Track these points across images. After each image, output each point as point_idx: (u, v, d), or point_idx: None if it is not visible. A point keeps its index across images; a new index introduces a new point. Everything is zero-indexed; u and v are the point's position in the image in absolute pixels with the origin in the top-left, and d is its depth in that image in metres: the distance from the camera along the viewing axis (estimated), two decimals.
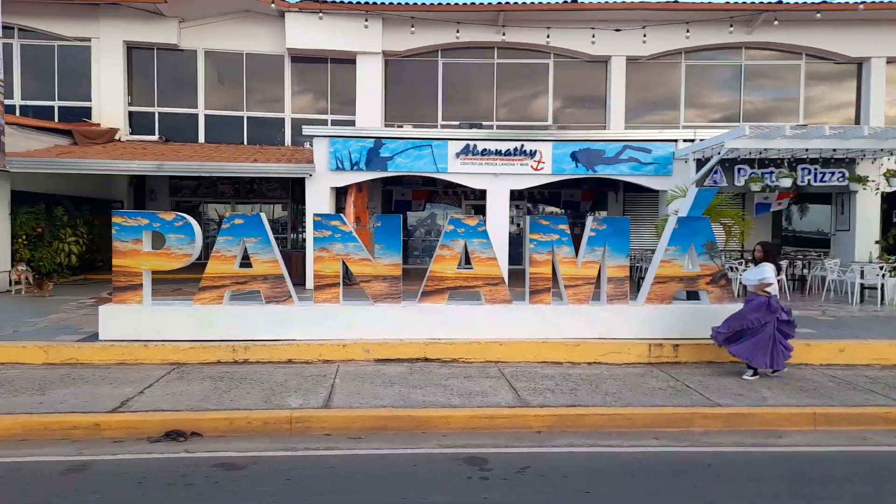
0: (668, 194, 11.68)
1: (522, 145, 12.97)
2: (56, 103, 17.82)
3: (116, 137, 17.86)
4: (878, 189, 12.00)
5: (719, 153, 10.62)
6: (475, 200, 19.85)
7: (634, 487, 4.35)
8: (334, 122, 18.41)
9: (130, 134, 18.46)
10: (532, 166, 12.98)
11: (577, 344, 7.62)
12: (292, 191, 22.19)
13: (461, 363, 7.49)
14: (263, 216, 7.74)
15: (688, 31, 17.20)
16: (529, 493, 4.24)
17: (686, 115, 18.40)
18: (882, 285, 10.88)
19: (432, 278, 7.83)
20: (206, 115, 18.98)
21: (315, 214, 7.78)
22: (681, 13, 17.18)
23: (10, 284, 12.42)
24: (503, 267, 9.13)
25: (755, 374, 6.90)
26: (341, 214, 7.83)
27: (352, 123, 18.23)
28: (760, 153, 11.22)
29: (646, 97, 18.73)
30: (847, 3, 16.48)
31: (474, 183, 13.29)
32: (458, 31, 17.49)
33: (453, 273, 7.84)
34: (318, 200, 13.26)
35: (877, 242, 12.61)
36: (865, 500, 4.25)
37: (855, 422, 5.77)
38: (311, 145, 18.23)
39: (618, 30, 17.09)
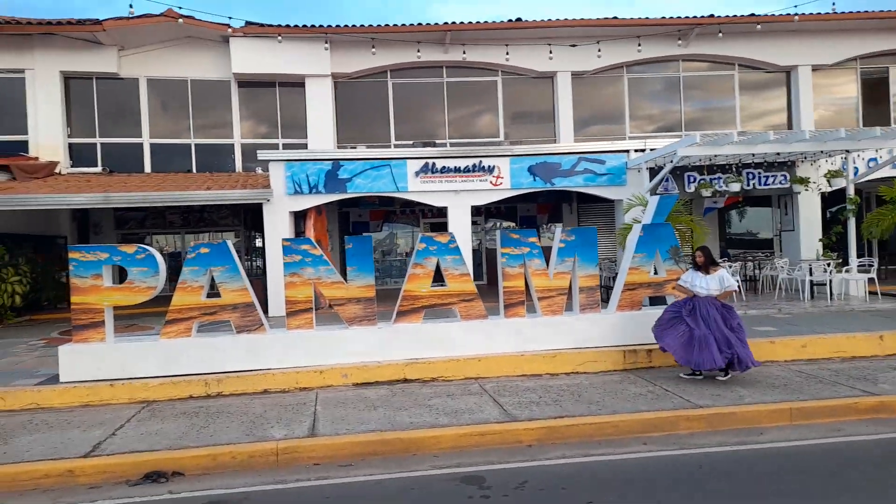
0: (625, 203, 11.99)
1: (481, 161, 13.11)
2: None
3: (57, 171, 17.16)
4: (819, 189, 12.62)
5: (672, 161, 10.99)
6: (433, 218, 19.90)
7: (637, 494, 4.39)
8: (286, 146, 18.17)
9: (71, 166, 17.77)
10: (491, 182, 13.12)
11: (555, 355, 7.68)
12: (244, 218, 21.79)
13: (441, 382, 7.44)
14: (230, 244, 7.55)
15: (639, 45, 17.74)
16: None
17: (631, 126, 18.97)
18: (830, 281, 11.41)
19: (406, 297, 7.78)
20: (151, 144, 18.45)
21: (284, 239, 7.65)
22: (620, 28, 17.77)
23: None
24: None
25: (728, 373, 7.10)
26: (310, 238, 7.69)
27: (304, 146, 18.04)
28: (710, 160, 11.68)
29: (592, 110, 19.24)
30: (781, 15, 17.45)
31: (435, 200, 13.33)
32: (418, 52, 17.53)
33: (427, 291, 7.81)
34: (276, 226, 13.04)
35: (820, 240, 13.24)
36: (856, 488, 4.40)
37: (828, 414, 5.99)
38: (264, 170, 18.03)
39: (573, 45, 17.52)
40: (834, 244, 13.12)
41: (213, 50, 18.24)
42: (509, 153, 13.21)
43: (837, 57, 18.99)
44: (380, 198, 15.72)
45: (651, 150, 12.88)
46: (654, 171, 12.39)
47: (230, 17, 17.12)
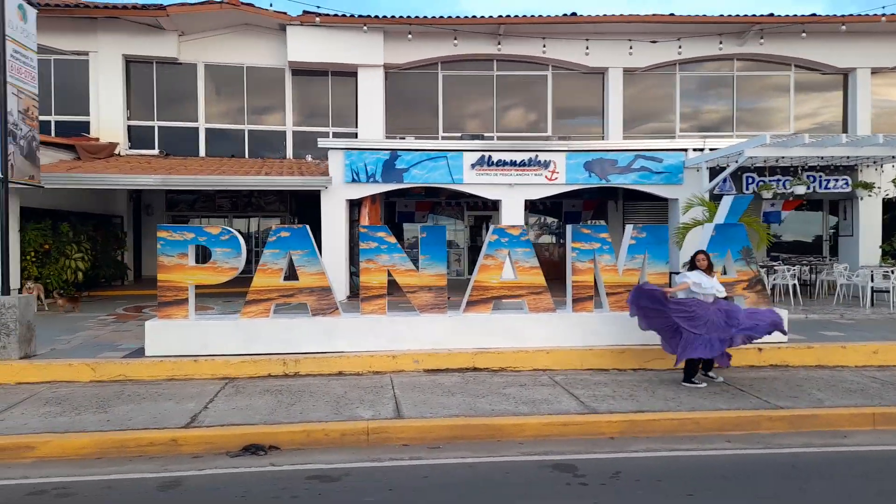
0: (684, 202, 11.93)
1: (537, 156, 13.14)
2: (53, 118, 17.50)
3: (116, 152, 17.63)
4: (885, 194, 12.39)
5: (736, 161, 10.90)
6: (477, 211, 19.99)
7: (736, 491, 4.44)
8: (335, 135, 18.40)
9: (129, 148, 18.24)
10: (546, 176, 13.15)
11: (623, 351, 7.73)
12: (290, 204, 22.13)
13: (510, 372, 7.55)
14: (308, 229, 7.74)
15: (680, 46, 17.56)
16: (636, 498, 4.31)
17: (681, 125, 18.77)
18: (892, 288, 11.23)
19: (477, 288, 7.90)
20: (206, 129, 18.84)
21: (361, 226, 7.83)
22: (675, 25, 17.57)
23: None
24: None
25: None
26: (385, 226, 7.85)
27: (353, 136, 18.27)
28: (777, 161, 11.54)
29: (642, 108, 19.08)
30: (838, 16, 17.10)
31: (489, 193, 13.41)
32: (455, 42, 17.57)
33: (498, 283, 7.92)
34: (334, 213, 13.25)
35: (881, 247, 13.01)
36: None
37: None
38: (314, 157, 18.32)
39: (640, 40, 17.33)
40: (894, 251, 12.88)
41: (269, 37, 18.53)
42: (566, 148, 13.21)
43: None
44: (430, 189, 15.83)
45: (710, 149, 12.76)
46: (714, 171, 12.29)
47: (288, 4, 17.34)
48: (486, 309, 7.91)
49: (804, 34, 17.03)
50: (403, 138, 17.57)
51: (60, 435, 5.22)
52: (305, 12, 17.45)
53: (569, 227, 8.07)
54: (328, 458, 5.10)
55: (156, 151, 18.19)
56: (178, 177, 13.53)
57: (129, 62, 18.29)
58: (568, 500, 4.28)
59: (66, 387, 6.81)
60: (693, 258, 7.06)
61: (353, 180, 13.26)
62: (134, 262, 19.49)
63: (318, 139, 14.06)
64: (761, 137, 10.29)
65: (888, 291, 11.43)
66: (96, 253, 15.79)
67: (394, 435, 5.51)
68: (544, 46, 17.69)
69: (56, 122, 17.60)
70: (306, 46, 17.92)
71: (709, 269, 7.02)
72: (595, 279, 8.08)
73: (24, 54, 7.57)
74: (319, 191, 13.70)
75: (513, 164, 13.10)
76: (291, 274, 7.72)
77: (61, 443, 5.10)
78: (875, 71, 18.70)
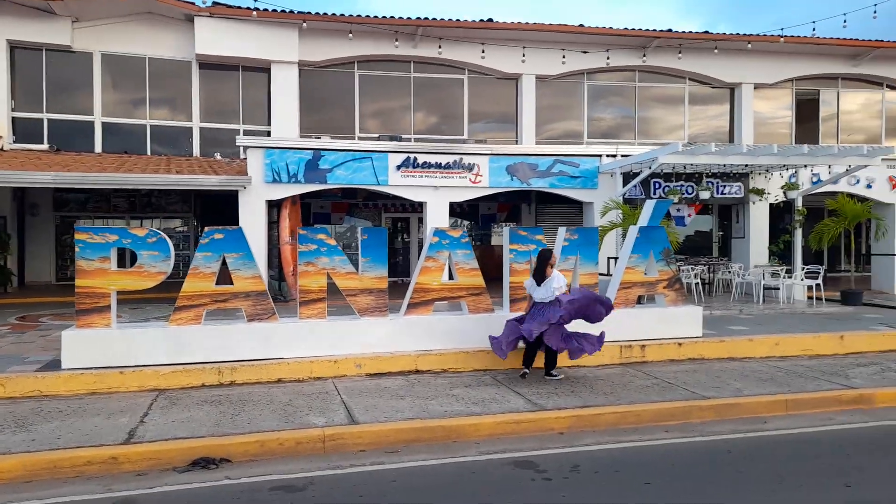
0: (602, 206, 12.54)
1: (461, 159, 13.34)
2: None
3: None
4: (776, 199, 13.61)
5: (650, 167, 11.61)
6: (395, 213, 19.97)
7: (686, 476, 4.76)
8: (247, 132, 17.78)
9: (14, 142, 16.72)
10: (470, 179, 13.38)
11: None
12: (193, 204, 21.12)
13: (453, 373, 7.64)
14: (243, 230, 7.45)
15: (608, 55, 18.39)
16: (599, 489, 4.52)
17: (589, 131, 19.65)
18: (782, 286, 12.36)
19: (418, 290, 7.92)
20: (102, 123, 17.61)
21: (300, 228, 7.62)
22: (587, 36, 18.39)
23: None
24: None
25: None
26: (325, 227, 7.70)
27: (266, 134, 17.74)
28: (684, 167, 12.38)
29: (552, 114, 19.84)
30: (734, 34, 18.61)
31: (415, 195, 13.45)
32: (396, 42, 17.43)
33: (438, 284, 7.99)
34: (252, 214, 12.80)
35: (769, 248, 14.30)
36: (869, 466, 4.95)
37: (817, 405, 6.61)
38: (223, 156, 17.61)
39: (584, 52, 17.89)
40: (781, 252, 14.19)
41: (175, 28, 17.60)
42: (489, 152, 13.50)
43: (776, 77, 20.38)
44: (346, 190, 15.65)
45: (622, 155, 13.50)
46: (627, 176, 13.01)
47: None
48: (428, 311, 7.95)
49: (715, 50, 18.31)
50: (319, 137, 17.20)
51: None
52: (216, 3, 16.72)
53: (506, 230, 8.28)
54: (286, 468, 4.96)
55: (45, 146, 16.79)
56: (89, 174, 12.65)
57: (15, 48, 16.79)
58: (538, 494, 4.42)
59: None
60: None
61: (274, 180, 12.87)
62: (18, 267, 17.85)
63: (236, 136, 13.56)
64: (674, 145, 11.02)
65: (777, 289, 12.58)
66: None
67: (350, 441, 5.43)
68: (483, 52, 17.87)
69: None
70: (216, 39, 17.16)
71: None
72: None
73: None
74: (234, 191, 13.19)
75: (438, 166, 13.22)
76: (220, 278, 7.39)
77: None
78: (757, 86, 20.45)
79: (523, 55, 17.41)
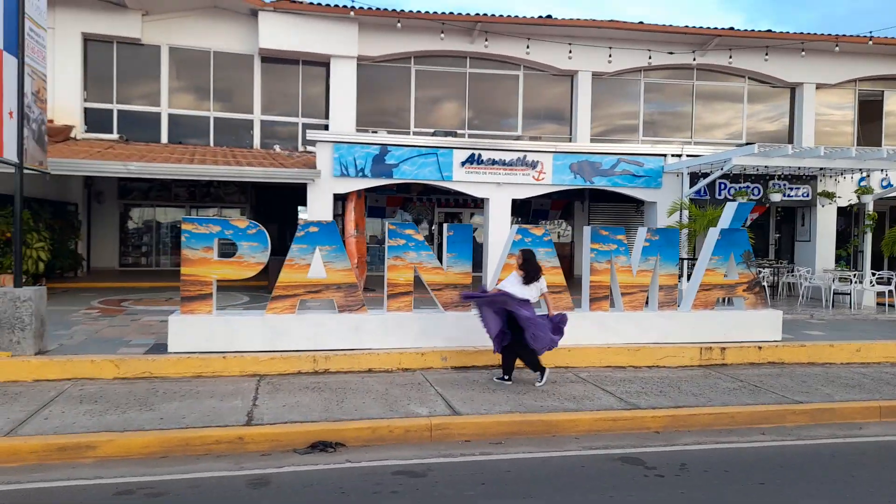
0: (669, 206, 12.50)
1: (525, 156, 13.43)
2: None
3: (72, 135, 16.72)
4: (848, 203, 13.39)
5: (722, 168, 11.53)
6: (448, 208, 20.17)
7: (800, 478, 4.81)
8: (306, 126, 18.13)
9: (86, 132, 17.33)
10: (534, 177, 13.46)
11: (639, 349, 8.10)
12: (250, 195, 21.63)
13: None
14: (336, 224, 7.68)
15: (650, 57, 18.25)
16: (716, 487, 4.60)
17: (643, 129, 19.51)
18: (853, 291, 12.18)
19: None
20: (169, 114, 18.13)
21: (390, 223, 7.82)
22: (645, 33, 18.24)
23: None
24: None
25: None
26: (412, 223, 7.89)
27: (324, 127, 18.02)
28: (753, 169, 12.27)
29: (608, 111, 19.76)
30: (793, 33, 18.27)
31: (478, 192, 13.59)
32: (442, 36, 17.55)
33: None
34: (320, 207, 13.08)
35: (838, 252, 14.08)
36: None
37: None
38: (282, 148, 18.00)
39: (648, 50, 17.77)
40: (849, 256, 13.95)
41: (239, 22, 18.00)
42: (553, 150, 13.56)
43: (839, 78, 19.93)
44: (401, 184, 15.85)
45: (688, 155, 13.42)
46: (694, 177, 12.93)
47: None
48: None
49: (766, 57, 18.06)
50: (376, 132, 17.46)
51: (122, 434, 5.04)
52: None
53: (587, 229, 8.36)
54: (399, 454, 5.16)
55: (115, 136, 17.36)
56: (176, 165, 13.22)
57: (88, 41, 17.38)
58: (656, 490, 4.53)
59: (91, 384, 6.51)
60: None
61: (342, 174, 13.13)
62: (87, 252, 18.55)
63: (308, 130, 13.85)
64: (749, 147, 10.94)
65: (847, 294, 12.40)
66: (54, 242, 14.95)
67: (455, 431, 5.61)
68: (528, 48, 17.93)
69: None
70: (279, 34, 17.51)
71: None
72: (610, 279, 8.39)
73: (36, 32, 7.14)
74: (297, 184, 13.50)
75: (502, 163, 13.34)
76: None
77: (125, 441, 4.93)
78: (819, 86, 20.03)
79: (570, 52, 17.38)
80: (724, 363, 8.28)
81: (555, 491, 4.49)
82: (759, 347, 8.41)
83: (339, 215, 15.17)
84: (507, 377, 7.05)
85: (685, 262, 11.64)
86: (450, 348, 7.72)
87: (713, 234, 8.62)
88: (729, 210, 8.77)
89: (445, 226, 8.01)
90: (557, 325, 7.00)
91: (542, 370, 7.01)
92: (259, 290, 13.46)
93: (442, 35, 17.33)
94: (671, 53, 17.85)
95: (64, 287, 14.58)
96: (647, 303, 8.56)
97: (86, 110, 17.51)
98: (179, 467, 4.77)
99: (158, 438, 5.04)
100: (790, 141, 20.12)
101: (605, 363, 8.01)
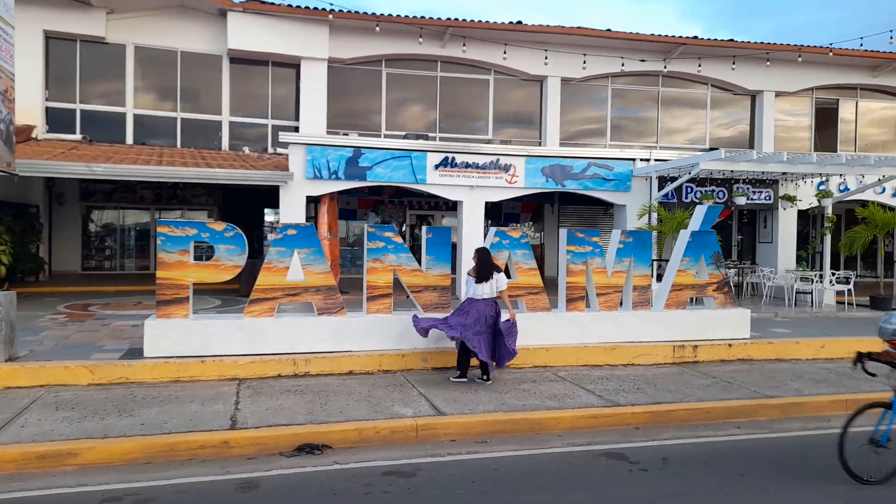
0: (639, 209, 12.77)
1: (498, 159, 13.55)
2: None
3: (33, 136, 16.24)
4: (809, 206, 13.87)
5: (689, 173, 11.84)
6: (419, 210, 20.18)
7: (779, 469, 4.99)
8: (275, 128, 17.94)
9: (47, 132, 16.84)
10: (507, 180, 13.59)
11: (614, 347, 8.26)
12: (217, 197, 21.32)
13: (514, 368, 7.85)
14: (314, 227, 7.65)
15: (622, 63, 18.62)
16: (699, 479, 4.75)
17: (611, 134, 19.86)
18: (814, 290, 12.63)
19: None
20: (134, 115, 17.74)
21: (369, 226, 7.82)
22: (612, 41, 18.56)
23: None
24: None
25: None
26: (391, 226, 7.91)
27: (294, 129, 17.86)
28: (721, 173, 12.63)
29: (576, 117, 20.05)
30: (757, 43, 18.86)
31: (451, 194, 13.65)
32: (420, 40, 17.54)
33: None
34: (293, 209, 12.97)
35: (798, 253, 14.57)
36: None
37: None
38: (251, 150, 17.78)
39: (622, 57, 18.01)
40: (810, 257, 14.46)
41: (207, 22, 17.73)
42: (526, 153, 13.72)
43: (797, 86, 20.63)
44: (373, 187, 15.83)
45: (656, 160, 13.73)
46: (663, 181, 13.24)
47: None
48: None
49: (732, 66, 18.61)
50: (346, 134, 17.37)
51: (103, 440, 4.94)
52: None
53: (563, 231, 8.49)
54: (386, 455, 5.18)
55: (78, 136, 16.90)
56: (145, 167, 12.98)
57: (50, 38, 16.90)
58: (643, 484, 4.65)
59: (65, 390, 6.35)
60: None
61: (315, 176, 13.05)
62: (49, 255, 18.02)
63: (280, 133, 13.74)
64: (717, 152, 11.28)
65: (808, 293, 12.85)
66: (15, 245, 14.50)
67: (441, 431, 5.65)
68: (504, 54, 18.05)
69: None
70: (248, 34, 17.29)
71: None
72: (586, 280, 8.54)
73: (5, 30, 6.95)
74: (263, 186, 13.37)
75: (475, 166, 13.43)
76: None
77: (107, 448, 4.84)
78: (778, 94, 20.70)
79: (546, 59, 17.61)
80: (696, 360, 8.51)
81: (543, 487, 4.57)
82: (729, 345, 8.66)
83: (312, 217, 15.03)
84: (465, 376, 7.17)
85: (654, 263, 11.89)
86: (430, 349, 7.75)
87: (684, 236, 8.86)
88: (699, 213, 9.01)
89: (424, 228, 8.05)
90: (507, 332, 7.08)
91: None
92: (230, 293, 13.29)
93: (420, 39, 17.32)
94: (643, 61, 18.24)
95: (27, 292, 14.09)
96: (621, 303, 8.73)
97: (47, 110, 17.02)
98: (164, 473, 4.70)
99: (141, 444, 4.96)
100: (751, 146, 20.70)
101: (583, 362, 8.15)
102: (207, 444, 5.07)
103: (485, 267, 7.10)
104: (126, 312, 10.75)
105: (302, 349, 7.45)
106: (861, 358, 4.79)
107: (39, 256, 16.53)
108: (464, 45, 17.80)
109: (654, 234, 12.44)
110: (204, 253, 7.59)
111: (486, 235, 8.38)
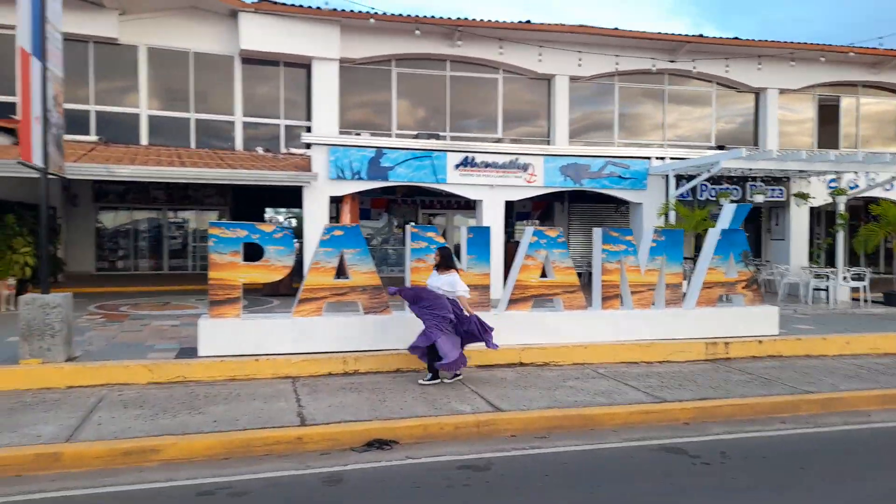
0: (660, 206, 12.99)
1: (517, 159, 13.74)
2: None
3: None
4: (823, 203, 14.13)
5: (708, 171, 12.06)
6: (432, 209, 20.33)
7: (836, 462, 5.20)
8: (288, 128, 18.07)
9: (64, 133, 16.82)
10: (526, 179, 13.78)
11: (649, 345, 8.46)
12: (228, 198, 21.41)
13: (554, 366, 8.04)
14: (360, 228, 7.81)
15: (617, 62, 18.83)
16: (762, 472, 4.94)
17: (619, 132, 20.05)
18: (829, 287, 12.90)
19: (518, 287, 8.32)
20: (148, 116, 17.79)
21: (412, 226, 7.98)
22: (619, 39, 18.72)
23: None
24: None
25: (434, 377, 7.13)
26: (433, 226, 8.07)
27: (306, 129, 17.94)
28: (735, 171, 12.87)
29: (584, 115, 20.24)
30: (759, 41, 19.11)
31: (472, 194, 13.83)
32: (418, 33, 17.65)
33: (537, 282, 8.38)
34: (317, 209, 13.11)
35: (812, 250, 14.84)
36: None
37: None
38: (265, 150, 17.86)
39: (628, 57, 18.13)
40: (820, 254, 14.74)
41: (219, 23, 17.78)
42: (544, 153, 13.91)
43: (800, 83, 20.90)
44: (386, 186, 16.00)
45: (671, 158, 13.95)
46: (680, 179, 13.46)
47: None
48: (527, 306, 8.35)
49: (727, 61, 18.86)
50: (359, 134, 17.51)
51: (183, 437, 5.09)
52: None
53: (597, 231, 8.68)
54: (453, 450, 5.34)
55: (94, 138, 16.94)
56: (174, 169, 13.18)
57: (64, 40, 16.80)
58: (709, 477, 4.84)
59: (128, 389, 6.49)
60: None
61: (338, 177, 13.19)
62: (63, 256, 18.06)
63: (302, 133, 13.82)
64: (737, 151, 11.50)
65: (824, 290, 13.11)
66: (36, 247, 14.52)
67: (501, 427, 5.83)
68: (501, 49, 18.24)
69: None
70: (260, 35, 17.37)
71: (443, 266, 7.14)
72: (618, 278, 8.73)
73: (55, 35, 7.04)
74: (286, 186, 13.49)
75: (495, 165, 13.61)
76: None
77: (188, 444, 4.98)
78: (782, 91, 20.97)
79: (540, 55, 17.78)
80: (728, 357, 8.71)
81: (615, 480, 4.76)
82: (760, 342, 8.88)
83: (333, 217, 15.17)
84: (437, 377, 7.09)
85: None
86: (471, 348, 7.90)
87: (714, 235, 9.07)
88: (728, 211, 9.23)
89: (464, 228, 8.22)
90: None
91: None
92: (254, 293, 13.40)
93: (417, 34, 17.42)
94: (653, 59, 18.45)
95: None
96: (653, 301, 8.93)
97: (63, 111, 16.99)
98: (245, 468, 4.86)
99: (220, 440, 5.11)
100: (755, 143, 20.96)
101: (619, 359, 8.34)
102: (282, 440, 5.23)
103: (443, 263, 7.06)
104: (159, 313, 10.86)
105: (349, 347, 7.61)
106: None
107: (58, 257, 16.56)
108: (460, 40, 17.93)
109: None
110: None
111: (505, 233, 8.53)
